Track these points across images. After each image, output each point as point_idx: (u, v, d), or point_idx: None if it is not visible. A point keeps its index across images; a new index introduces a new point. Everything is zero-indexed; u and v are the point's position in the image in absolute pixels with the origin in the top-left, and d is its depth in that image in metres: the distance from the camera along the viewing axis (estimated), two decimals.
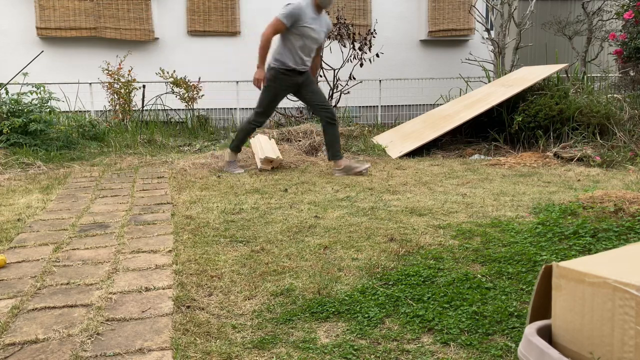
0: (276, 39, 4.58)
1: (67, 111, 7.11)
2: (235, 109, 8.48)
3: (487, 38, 8.59)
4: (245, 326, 1.92)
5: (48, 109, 6.22)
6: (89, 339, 1.83)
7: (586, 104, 5.68)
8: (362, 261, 2.51)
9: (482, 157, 5.63)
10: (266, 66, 4.65)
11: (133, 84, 7.44)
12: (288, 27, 4.43)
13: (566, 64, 6.41)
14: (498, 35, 8.54)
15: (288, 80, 4.61)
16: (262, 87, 4.64)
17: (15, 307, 2.08)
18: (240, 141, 4.87)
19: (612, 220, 2.79)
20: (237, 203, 3.67)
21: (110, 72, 7.38)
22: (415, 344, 1.78)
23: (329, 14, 7.81)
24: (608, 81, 7.41)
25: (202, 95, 7.68)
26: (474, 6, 8.83)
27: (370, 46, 7.73)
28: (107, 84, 7.41)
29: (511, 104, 5.98)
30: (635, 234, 2.61)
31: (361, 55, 7.71)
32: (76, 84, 7.77)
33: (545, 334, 1.42)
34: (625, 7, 6.80)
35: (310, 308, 2.04)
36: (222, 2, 8.54)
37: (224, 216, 3.33)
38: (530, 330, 1.41)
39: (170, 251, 2.70)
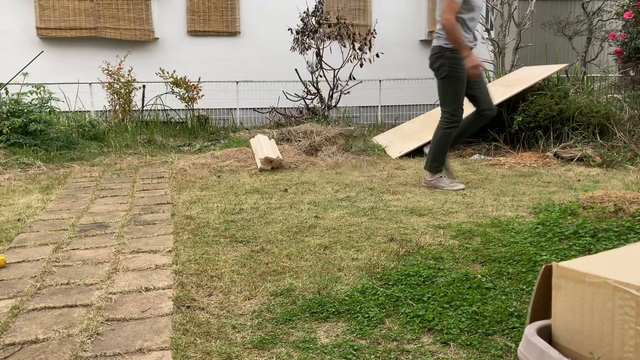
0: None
1: (67, 111, 7.11)
2: (235, 109, 8.48)
3: (487, 38, 8.59)
4: (245, 326, 1.92)
5: (48, 109, 6.23)
6: (89, 339, 1.83)
7: (586, 104, 5.68)
8: (362, 261, 2.51)
9: (482, 157, 5.63)
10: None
11: (133, 84, 7.44)
12: (460, 4, 3.93)
13: (566, 64, 6.41)
14: (498, 35, 8.54)
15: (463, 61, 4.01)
16: (445, 81, 4.16)
17: (15, 307, 2.08)
18: (439, 158, 4.12)
19: (612, 220, 2.79)
20: (237, 203, 3.67)
21: (110, 72, 7.39)
22: (415, 344, 1.78)
23: (329, 14, 7.86)
24: (608, 81, 7.40)
25: (202, 95, 7.68)
26: None
27: (370, 46, 7.74)
28: (107, 84, 7.41)
29: (511, 104, 5.98)
30: (635, 234, 2.61)
31: (361, 55, 7.71)
32: (76, 84, 7.77)
33: (545, 334, 1.42)
34: (625, 7, 6.80)
35: (310, 308, 2.03)
36: (222, 2, 8.54)
37: (224, 216, 3.33)
38: (530, 330, 1.41)
39: (170, 251, 2.70)
